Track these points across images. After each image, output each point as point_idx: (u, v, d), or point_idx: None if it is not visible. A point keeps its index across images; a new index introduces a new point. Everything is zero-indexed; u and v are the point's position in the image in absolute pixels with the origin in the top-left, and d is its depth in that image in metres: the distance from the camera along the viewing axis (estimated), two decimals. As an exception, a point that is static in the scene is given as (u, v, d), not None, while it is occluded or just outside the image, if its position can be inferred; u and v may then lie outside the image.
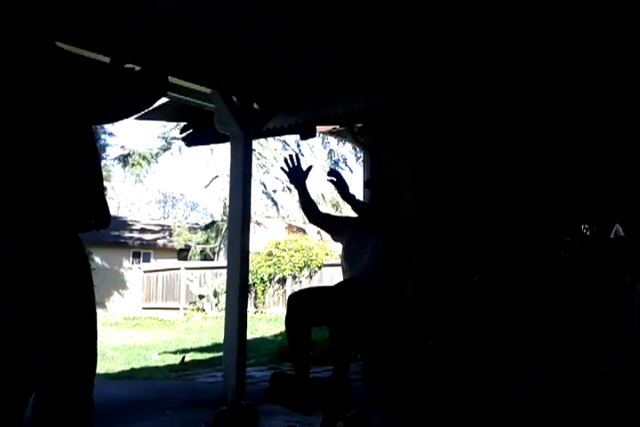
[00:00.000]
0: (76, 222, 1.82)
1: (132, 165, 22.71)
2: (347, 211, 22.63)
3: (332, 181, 3.56)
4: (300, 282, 15.25)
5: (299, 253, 15.58)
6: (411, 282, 3.56)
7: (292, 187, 23.90)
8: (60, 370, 1.76)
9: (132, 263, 22.91)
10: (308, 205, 3.69)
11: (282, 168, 3.66)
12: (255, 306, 15.56)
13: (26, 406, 1.78)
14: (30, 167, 1.75)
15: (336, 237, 3.71)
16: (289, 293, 14.40)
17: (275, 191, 24.08)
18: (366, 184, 3.65)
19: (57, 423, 1.76)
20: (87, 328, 1.82)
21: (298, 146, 22.65)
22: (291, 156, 3.66)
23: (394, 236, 3.32)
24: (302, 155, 22.75)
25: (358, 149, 9.61)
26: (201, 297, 17.02)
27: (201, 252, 23.79)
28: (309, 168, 3.60)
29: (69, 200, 1.79)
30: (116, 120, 2.14)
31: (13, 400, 1.75)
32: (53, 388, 1.75)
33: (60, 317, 1.75)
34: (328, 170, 3.59)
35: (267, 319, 13.37)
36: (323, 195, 22.53)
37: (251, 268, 11.00)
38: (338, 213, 16.17)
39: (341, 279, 3.50)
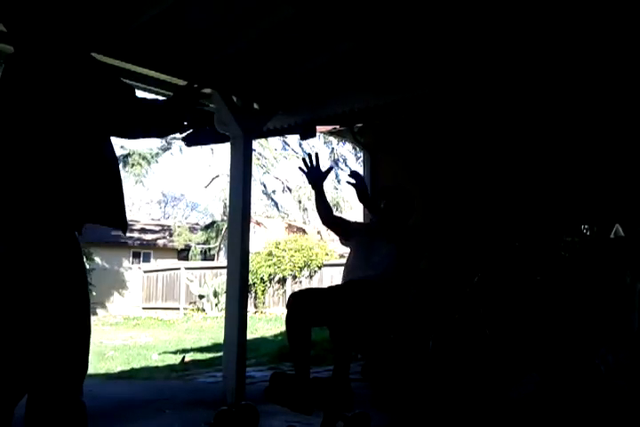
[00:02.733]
0: (73, 221, 1.82)
1: (132, 165, 22.67)
2: (347, 210, 22.65)
3: (351, 183, 3.49)
4: (300, 282, 15.24)
5: (299, 253, 15.57)
6: (412, 283, 3.56)
7: (291, 187, 23.86)
8: (50, 371, 1.75)
9: (132, 263, 22.92)
10: (322, 207, 3.66)
11: (300, 168, 3.59)
12: (255, 306, 15.56)
13: (14, 407, 1.78)
14: (30, 163, 1.75)
15: (346, 240, 3.67)
16: (289, 293, 14.38)
17: (274, 191, 24.07)
18: (379, 193, 3.63)
19: (48, 425, 1.76)
20: (79, 330, 1.81)
21: (299, 145, 22.66)
22: (310, 155, 3.58)
23: (405, 243, 3.34)
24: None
25: (358, 149, 9.59)
26: (201, 297, 17.00)
27: (201, 252, 23.78)
28: (329, 169, 3.55)
29: (68, 198, 1.78)
30: (131, 137, 2.15)
31: (3, 402, 1.75)
32: (43, 390, 1.75)
33: (52, 317, 1.74)
34: (350, 172, 3.53)
35: (267, 319, 13.37)
36: (323, 194, 22.47)
37: (251, 268, 10.99)
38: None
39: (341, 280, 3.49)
